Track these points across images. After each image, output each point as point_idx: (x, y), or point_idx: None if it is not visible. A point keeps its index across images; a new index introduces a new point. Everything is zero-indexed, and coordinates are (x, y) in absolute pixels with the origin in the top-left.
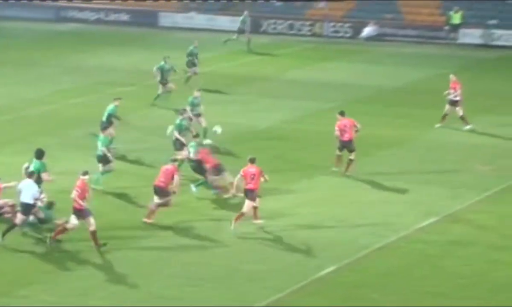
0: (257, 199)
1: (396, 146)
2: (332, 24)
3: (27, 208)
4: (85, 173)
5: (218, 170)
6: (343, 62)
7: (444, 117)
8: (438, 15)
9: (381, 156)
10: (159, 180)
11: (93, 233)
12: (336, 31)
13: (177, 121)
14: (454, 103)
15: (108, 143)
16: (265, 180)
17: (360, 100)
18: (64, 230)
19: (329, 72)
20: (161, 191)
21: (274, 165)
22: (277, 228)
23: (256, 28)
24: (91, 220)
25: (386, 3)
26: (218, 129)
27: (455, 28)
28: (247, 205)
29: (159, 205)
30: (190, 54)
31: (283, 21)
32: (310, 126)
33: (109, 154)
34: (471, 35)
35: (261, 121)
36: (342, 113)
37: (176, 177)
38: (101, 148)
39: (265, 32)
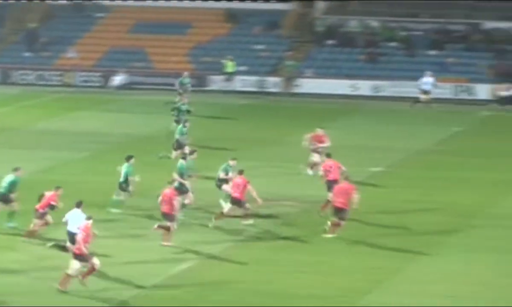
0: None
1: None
2: (82, 73)
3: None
4: (89, 218)
5: None
6: (94, 111)
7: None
8: (186, 62)
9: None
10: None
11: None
12: (87, 80)
13: None
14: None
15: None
16: None
17: (112, 149)
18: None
19: (81, 121)
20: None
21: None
22: None
23: (4, 79)
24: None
25: (136, 51)
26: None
27: (230, 75)
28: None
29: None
30: None
31: (32, 71)
32: (61, 176)
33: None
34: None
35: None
36: (328, 155)
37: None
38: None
39: (14, 83)
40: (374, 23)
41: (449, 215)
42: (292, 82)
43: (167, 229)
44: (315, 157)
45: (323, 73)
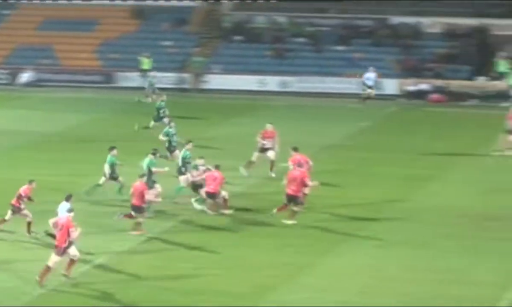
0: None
1: None
2: None
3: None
4: (70, 211)
5: None
6: (1, 109)
7: (251, 163)
8: (93, 59)
9: None
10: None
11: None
12: None
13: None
14: (264, 150)
15: None
16: None
17: (21, 146)
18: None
19: None
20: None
21: None
22: None
23: None
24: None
25: (43, 49)
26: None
27: (146, 72)
28: None
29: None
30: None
31: None
32: None
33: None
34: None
35: None
36: (295, 149)
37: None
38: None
39: None
40: (281, 19)
41: (358, 210)
42: (200, 78)
43: (130, 217)
44: (254, 157)
45: (230, 69)
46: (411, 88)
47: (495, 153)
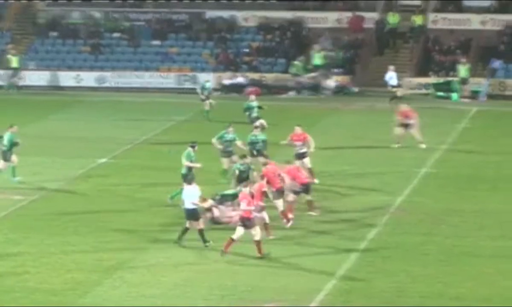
0: None
1: None
2: None
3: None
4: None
5: None
6: None
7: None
8: None
9: None
10: None
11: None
12: None
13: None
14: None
15: None
16: None
17: None
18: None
19: None
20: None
21: None
22: None
23: None
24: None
25: None
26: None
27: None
28: None
29: None
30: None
31: None
32: None
33: None
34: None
35: None
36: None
37: None
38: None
39: None
40: (97, 14)
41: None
42: (16, 75)
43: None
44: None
45: (46, 65)
46: (227, 81)
47: (395, 146)
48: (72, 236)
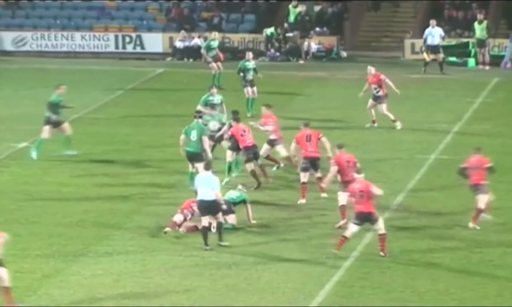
0: None
1: None
2: None
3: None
4: None
5: None
6: None
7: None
8: None
9: None
10: None
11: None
12: None
13: None
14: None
15: None
16: None
17: None
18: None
19: None
20: None
21: None
22: None
23: None
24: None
25: None
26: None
27: None
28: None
29: None
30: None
31: None
32: None
33: None
34: None
35: None
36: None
37: None
38: None
39: None
40: None
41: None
42: None
43: None
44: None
45: None
46: (181, 44)
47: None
48: None
